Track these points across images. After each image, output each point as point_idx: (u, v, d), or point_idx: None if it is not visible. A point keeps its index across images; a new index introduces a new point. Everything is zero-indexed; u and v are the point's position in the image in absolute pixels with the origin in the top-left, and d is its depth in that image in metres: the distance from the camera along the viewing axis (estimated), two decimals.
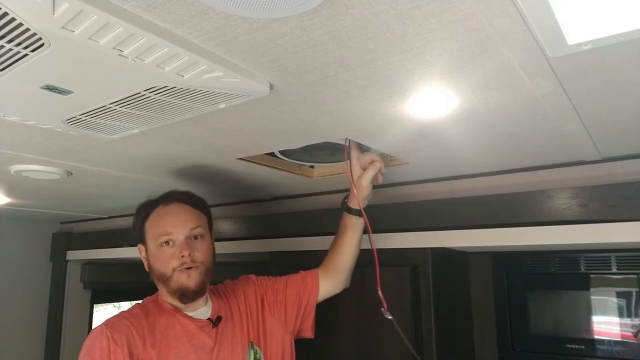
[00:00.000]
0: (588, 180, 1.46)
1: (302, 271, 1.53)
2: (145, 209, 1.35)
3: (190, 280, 1.25)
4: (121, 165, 1.56)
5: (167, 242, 1.27)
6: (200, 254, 1.29)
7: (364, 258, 1.78)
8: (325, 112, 1.08)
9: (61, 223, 3.13)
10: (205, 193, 2.05)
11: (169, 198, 1.34)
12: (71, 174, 1.65)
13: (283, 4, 0.63)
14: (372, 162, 1.40)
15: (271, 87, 0.92)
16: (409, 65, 0.83)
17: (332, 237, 1.55)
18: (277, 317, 1.43)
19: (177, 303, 1.29)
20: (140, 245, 1.36)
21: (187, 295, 1.26)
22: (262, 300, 1.45)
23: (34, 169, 1.55)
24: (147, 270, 1.35)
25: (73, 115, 1.04)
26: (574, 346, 1.70)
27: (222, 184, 1.86)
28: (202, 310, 1.33)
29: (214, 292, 1.41)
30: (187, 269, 1.26)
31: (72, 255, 3.00)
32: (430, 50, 0.78)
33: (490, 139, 1.28)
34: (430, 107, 1.03)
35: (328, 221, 1.91)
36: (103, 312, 3.19)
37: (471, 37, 0.74)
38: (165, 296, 1.30)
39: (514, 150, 1.38)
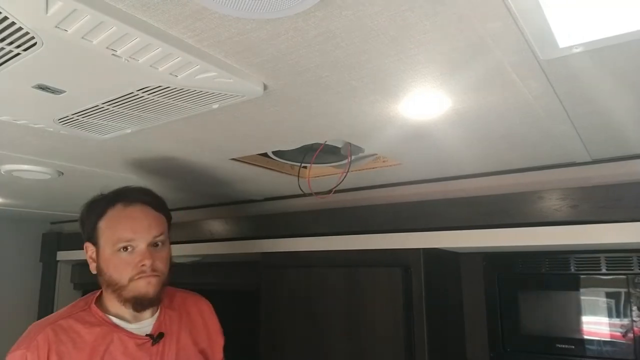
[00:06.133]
0: (578, 181, 1.47)
1: None
2: (101, 205, 1.20)
3: (149, 287, 1.15)
4: (113, 165, 1.55)
5: (125, 248, 1.15)
6: (161, 263, 1.19)
7: (358, 258, 1.78)
8: (319, 113, 1.08)
9: (51, 223, 3.11)
10: (197, 193, 2.06)
11: (131, 197, 1.21)
12: (62, 174, 1.64)
13: (278, 5, 0.63)
14: None
15: (265, 87, 0.92)
16: (402, 66, 0.84)
17: (328, 237, 1.52)
18: None
19: (125, 312, 1.19)
20: (88, 244, 1.21)
21: (143, 304, 1.16)
22: (212, 347, 1.35)
23: (25, 169, 1.54)
24: (93, 272, 1.21)
25: (65, 115, 1.04)
26: (564, 346, 1.71)
27: (215, 184, 1.85)
28: (147, 322, 1.22)
29: (170, 298, 1.30)
30: (147, 276, 1.15)
31: (63, 255, 2.98)
32: (423, 52, 0.79)
33: (482, 140, 1.29)
34: (423, 108, 1.04)
35: (320, 222, 1.91)
36: None
37: (464, 40, 0.75)
38: (109, 304, 1.19)
39: (506, 151, 1.39)
